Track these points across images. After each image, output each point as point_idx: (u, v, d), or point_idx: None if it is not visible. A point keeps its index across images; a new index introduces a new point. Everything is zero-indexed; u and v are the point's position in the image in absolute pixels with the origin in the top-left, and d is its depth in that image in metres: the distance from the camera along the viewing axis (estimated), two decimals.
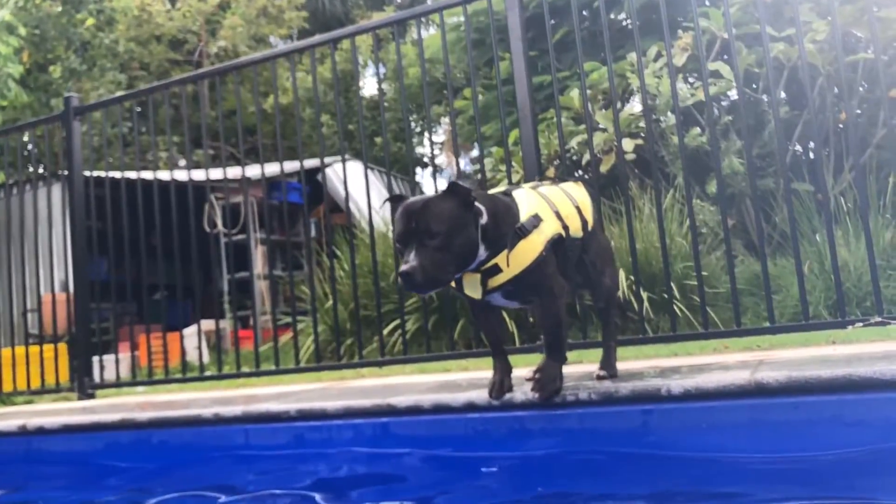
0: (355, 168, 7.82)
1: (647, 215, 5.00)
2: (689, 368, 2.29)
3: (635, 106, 6.17)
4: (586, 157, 5.86)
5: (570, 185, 2.31)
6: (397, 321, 4.57)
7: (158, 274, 5.07)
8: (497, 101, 3.57)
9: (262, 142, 4.85)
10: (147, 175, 5.66)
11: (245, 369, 4.21)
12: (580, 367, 3.13)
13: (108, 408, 3.05)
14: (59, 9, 10.22)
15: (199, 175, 6.79)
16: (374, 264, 3.70)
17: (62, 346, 6.01)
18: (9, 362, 4.69)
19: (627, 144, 5.49)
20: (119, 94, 10.86)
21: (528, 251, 2.01)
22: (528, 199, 2.11)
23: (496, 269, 2.00)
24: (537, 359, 2.29)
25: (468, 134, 9.59)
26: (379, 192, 8.22)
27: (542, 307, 2.12)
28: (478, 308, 2.19)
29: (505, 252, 1.99)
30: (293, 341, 4.14)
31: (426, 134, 14.97)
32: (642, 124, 5.57)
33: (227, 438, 2.50)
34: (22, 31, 8.77)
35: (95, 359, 5.28)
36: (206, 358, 6.19)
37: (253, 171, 6.53)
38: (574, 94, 5.97)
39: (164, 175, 6.41)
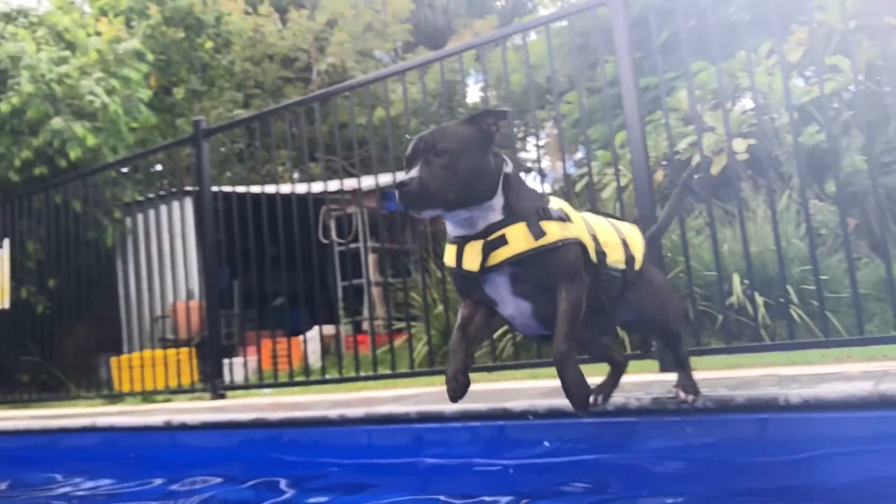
0: None
1: (762, 217, 4.86)
2: (808, 378, 2.25)
3: (746, 105, 6.00)
4: (696, 158, 5.74)
5: (618, 222, 2.14)
6: (506, 326, 4.64)
7: (278, 282, 5.39)
8: (601, 105, 3.59)
9: (374, 154, 5.05)
10: (269, 189, 5.99)
11: (362, 373, 4.39)
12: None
13: (240, 407, 3.28)
14: (182, 35, 10.94)
15: (314, 187, 7.11)
16: None
17: (191, 350, 6.43)
18: (149, 363, 5.09)
19: (739, 145, 5.36)
20: (237, 112, 11.56)
21: (546, 232, 1.78)
22: (561, 203, 1.91)
23: (502, 241, 1.77)
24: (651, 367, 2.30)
25: (572, 137, 9.56)
26: None
27: (562, 293, 1.78)
28: (467, 292, 1.87)
29: (519, 224, 1.77)
30: (408, 345, 4.30)
31: (529, 139, 14.98)
32: (755, 122, 5.41)
33: (350, 438, 2.64)
34: (150, 57, 9.44)
35: (225, 361, 5.66)
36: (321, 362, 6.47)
37: (366, 182, 6.77)
38: (681, 95, 5.87)
39: (283, 188, 6.74)
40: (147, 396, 4.53)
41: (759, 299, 4.12)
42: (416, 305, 6.26)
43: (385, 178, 6.88)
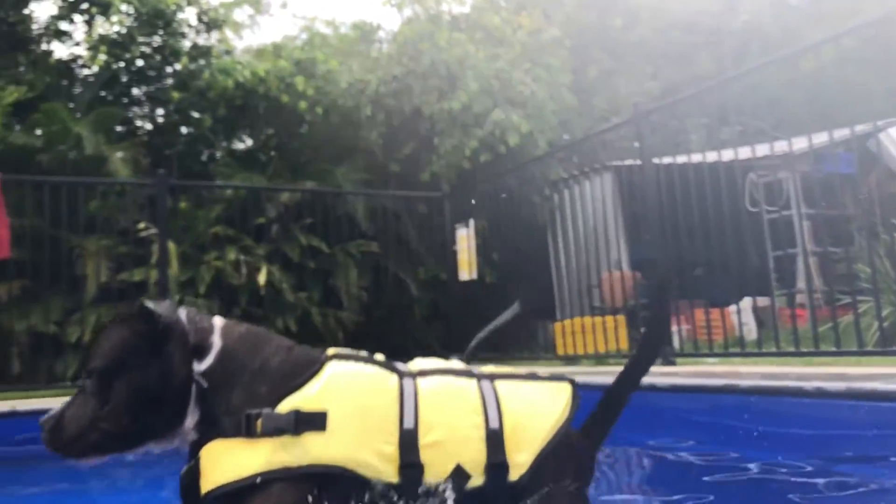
0: None
1: None
2: None
3: None
4: None
5: (528, 384, 1.47)
6: None
7: (700, 252, 5.44)
8: None
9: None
10: (696, 158, 6.02)
11: (802, 348, 4.23)
12: None
13: (697, 374, 3.45)
14: (594, 17, 11.46)
15: (741, 153, 6.89)
16: None
17: (620, 318, 6.81)
18: (589, 329, 5.58)
19: None
20: (648, 85, 11.70)
21: (239, 462, 1.25)
22: (334, 380, 1.33)
23: (197, 469, 1.29)
24: None
25: None
26: None
27: None
28: None
29: (212, 444, 1.29)
30: (854, 322, 4.03)
31: None
32: None
33: (825, 411, 2.63)
34: (567, 43, 10.10)
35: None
36: (754, 334, 6.33)
37: (797, 144, 6.37)
38: None
39: (709, 156, 6.68)
40: (601, 359, 4.97)
41: None
42: (863, 278, 5.74)
43: (819, 139, 6.41)
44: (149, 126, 8.64)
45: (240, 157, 8.39)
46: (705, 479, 2.49)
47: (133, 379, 1.29)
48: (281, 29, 20.33)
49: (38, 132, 7.24)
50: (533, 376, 1.49)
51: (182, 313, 1.36)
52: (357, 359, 1.40)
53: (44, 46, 8.74)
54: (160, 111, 8.62)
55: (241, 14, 9.93)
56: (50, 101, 7.37)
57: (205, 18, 8.81)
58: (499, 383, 1.43)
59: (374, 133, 8.41)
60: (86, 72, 8.52)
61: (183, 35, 8.56)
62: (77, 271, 6.41)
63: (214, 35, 9.03)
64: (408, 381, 1.37)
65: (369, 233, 7.76)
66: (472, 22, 9.93)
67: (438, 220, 7.61)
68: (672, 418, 3.16)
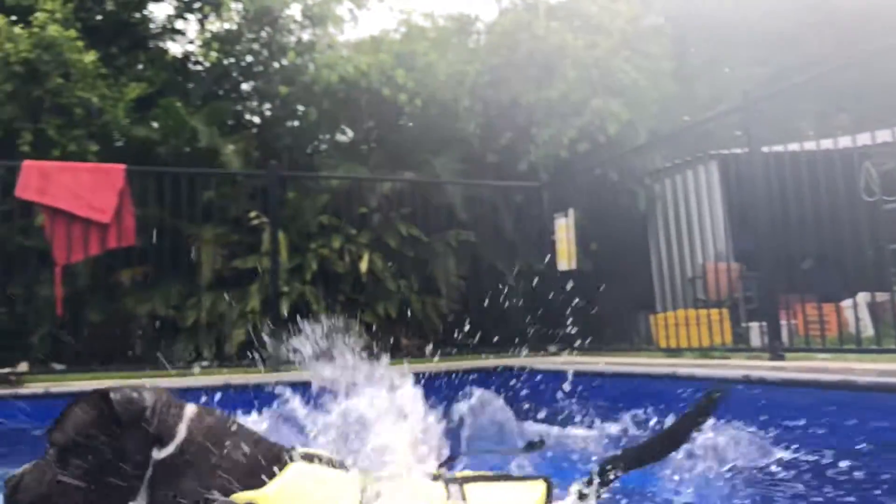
0: None
1: None
2: None
3: None
4: None
5: (490, 486, 1.46)
6: None
7: (811, 244, 5.19)
8: None
9: None
10: (808, 145, 5.78)
11: None
12: None
13: (811, 369, 3.34)
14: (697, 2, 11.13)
15: (850, 140, 6.54)
16: None
17: (725, 311, 6.61)
18: (693, 322, 5.46)
19: None
20: (756, 69, 11.24)
21: None
22: (294, 482, 1.35)
23: None
24: None
25: None
26: None
27: None
28: None
29: None
30: None
31: None
32: None
33: None
34: (667, 29, 9.84)
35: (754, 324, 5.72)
36: (869, 331, 6.04)
37: None
38: None
39: (819, 144, 6.39)
40: (705, 352, 4.86)
41: None
42: None
43: None
44: (257, 119, 9.00)
45: (343, 149, 8.63)
46: (826, 471, 2.44)
47: (88, 460, 1.37)
48: (377, 22, 20.67)
49: (156, 125, 7.68)
50: (507, 476, 1.51)
51: (150, 400, 1.42)
52: (322, 461, 1.44)
53: (160, 44, 9.24)
54: (267, 105, 8.97)
55: (341, 9, 10.18)
56: (167, 96, 7.79)
57: (309, 14, 9.08)
58: (468, 487, 1.46)
59: (471, 124, 8.47)
60: (198, 68, 8.97)
61: (289, 31, 8.87)
62: (193, 258, 6.77)
63: (318, 30, 9.30)
64: (371, 486, 1.42)
65: (467, 223, 7.84)
66: (570, 10, 9.81)
67: (535, 210, 7.60)
68: (783, 412, 3.08)
